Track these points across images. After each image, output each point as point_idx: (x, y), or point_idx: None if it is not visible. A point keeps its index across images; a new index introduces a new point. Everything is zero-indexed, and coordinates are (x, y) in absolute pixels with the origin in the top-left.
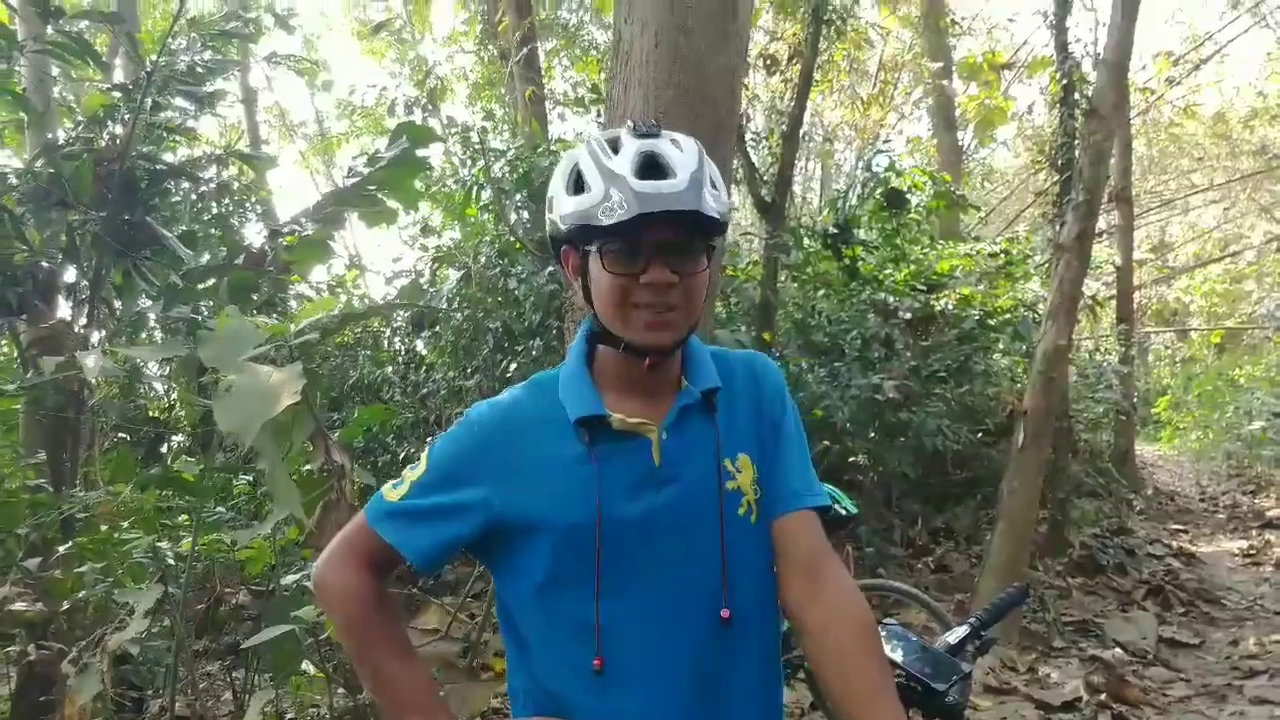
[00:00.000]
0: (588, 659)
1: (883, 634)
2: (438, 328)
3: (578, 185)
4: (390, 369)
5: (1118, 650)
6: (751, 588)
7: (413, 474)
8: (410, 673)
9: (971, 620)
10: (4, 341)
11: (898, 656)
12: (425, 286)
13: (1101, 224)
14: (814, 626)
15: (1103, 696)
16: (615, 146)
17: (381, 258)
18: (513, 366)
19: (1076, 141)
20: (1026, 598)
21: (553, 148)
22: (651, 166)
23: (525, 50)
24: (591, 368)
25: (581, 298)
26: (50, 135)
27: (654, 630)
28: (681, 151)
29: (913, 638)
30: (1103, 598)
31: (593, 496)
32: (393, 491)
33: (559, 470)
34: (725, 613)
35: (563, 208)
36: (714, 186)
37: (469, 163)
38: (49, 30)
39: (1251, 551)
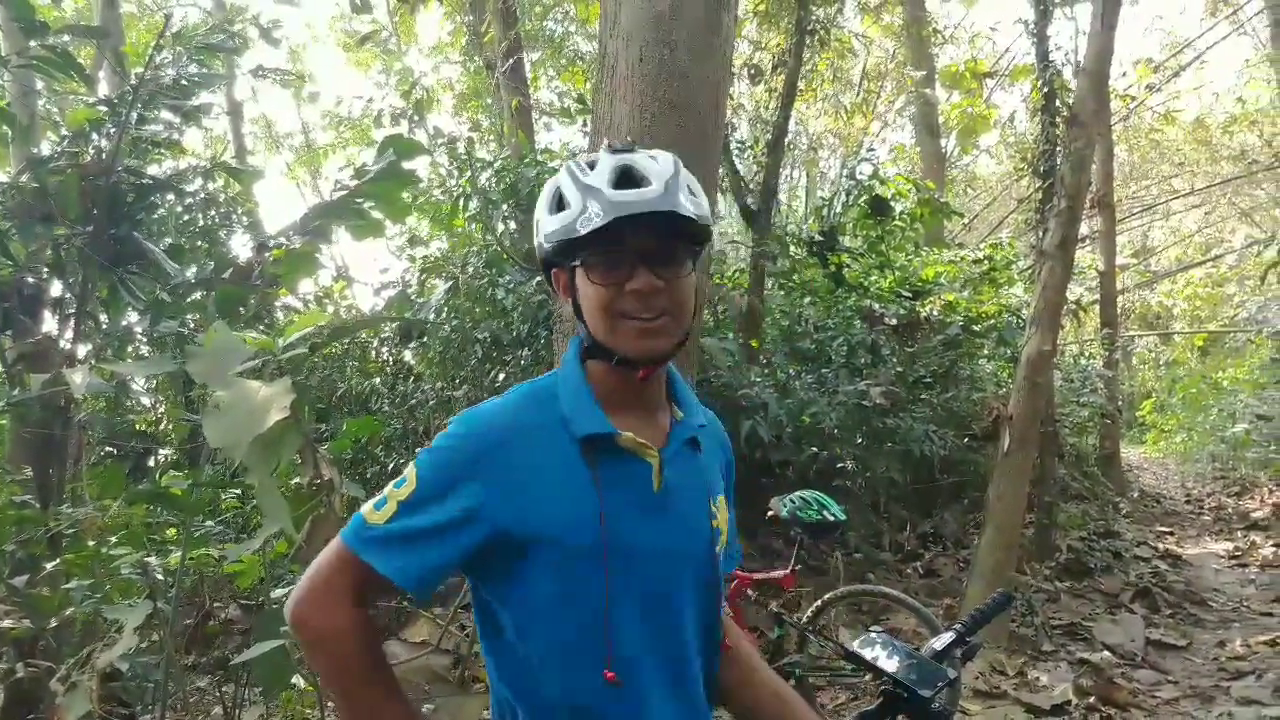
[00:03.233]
0: (599, 673)
1: (867, 640)
2: (426, 338)
3: (559, 205)
4: (378, 380)
5: (1106, 653)
6: (721, 617)
7: (399, 492)
8: (404, 714)
9: (956, 626)
10: None
11: (883, 662)
12: (413, 297)
13: (1084, 229)
14: (736, 671)
15: (1091, 699)
16: (592, 165)
17: (369, 268)
18: (501, 376)
19: (1058, 148)
20: (1011, 603)
21: (539, 158)
22: (627, 177)
23: (511, 61)
24: (588, 382)
25: (574, 316)
26: (35, 149)
27: (660, 651)
28: (657, 163)
29: (897, 644)
30: (1090, 601)
31: (596, 513)
32: (376, 514)
33: (563, 486)
34: (729, 643)
35: (545, 227)
36: (692, 193)
37: (456, 173)
38: (33, 45)
39: (1237, 553)
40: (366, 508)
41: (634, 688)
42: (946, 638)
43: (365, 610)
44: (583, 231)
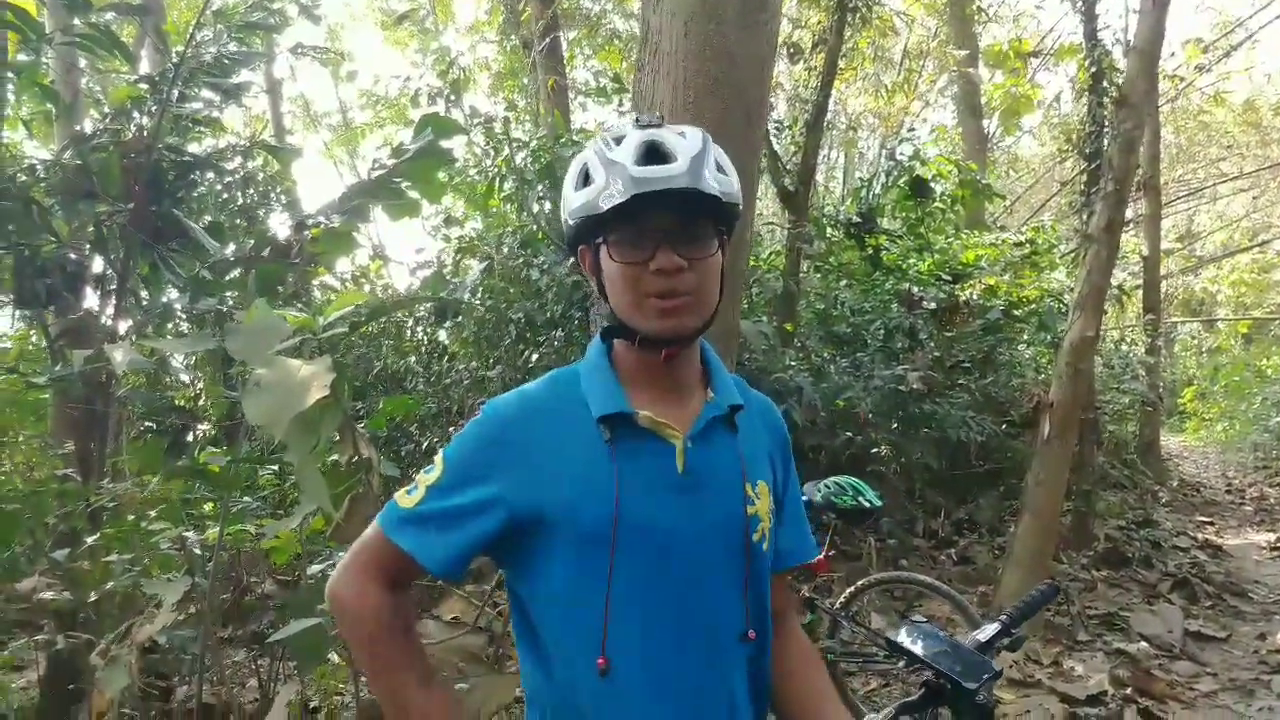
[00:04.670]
0: (595, 659)
1: (910, 629)
2: (460, 318)
3: (585, 180)
4: (413, 359)
5: (1143, 644)
6: (765, 609)
7: (427, 477)
8: (427, 700)
9: (1002, 617)
10: (33, 332)
11: (926, 653)
12: (448, 277)
13: (1129, 213)
14: (781, 663)
15: (1128, 690)
16: (619, 140)
17: (405, 247)
18: (535, 357)
19: (1105, 130)
20: (1057, 595)
21: (575, 138)
22: (653, 153)
23: (548, 40)
24: (612, 364)
25: (599, 294)
26: (78, 127)
27: (670, 638)
28: (685, 139)
29: (942, 634)
30: (1128, 590)
31: (611, 494)
32: (407, 497)
33: (578, 465)
34: (752, 634)
35: (570, 203)
36: (721, 171)
37: (491, 153)
38: (76, 22)
39: (1279, 545)
40: (399, 493)
41: (626, 676)
42: (991, 629)
43: (397, 592)
44: (604, 208)
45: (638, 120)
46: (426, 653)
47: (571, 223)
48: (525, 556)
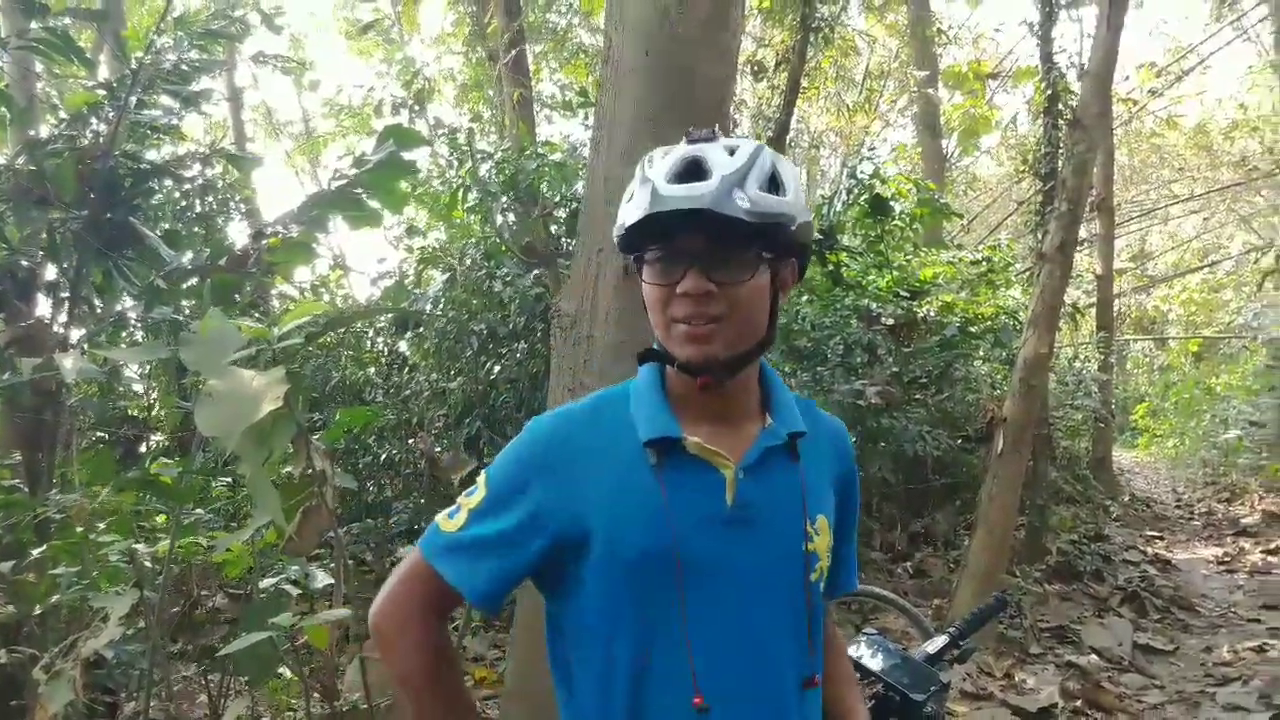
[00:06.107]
0: (680, 700)
1: (862, 642)
2: (422, 329)
3: (631, 195)
4: (373, 370)
5: (1093, 656)
6: (822, 652)
7: (470, 500)
8: None
9: (950, 630)
10: None
11: (876, 665)
12: (410, 288)
13: (1083, 233)
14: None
15: (1078, 702)
16: (666, 154)
17: (366, 257)
18: (496, 369)
19: (1060, 151)
20: (1005, 608)
21: (540, 150)
22: (688, 171)
23: (513, 52)
24: (664, 388)
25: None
26: (32, 132)
27: (735, 680)
28: (731, 156)
29: (892, 647)
30: (1079, 604)
31: (663, 524)
32: (449, 522)
33: (623, 492)
34: (817, 679)
35: (617, 217)
36: (771, 189)
37: (455, 164)
38: (33, 26)
39: (1226, 559)
40: (441, 516)
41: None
42: (940, 641)
43: (441, 620)
44: (627, 223)
45: (689, 134)
46: (465, 686)
47: (615, 238)
48: (565, 583)
